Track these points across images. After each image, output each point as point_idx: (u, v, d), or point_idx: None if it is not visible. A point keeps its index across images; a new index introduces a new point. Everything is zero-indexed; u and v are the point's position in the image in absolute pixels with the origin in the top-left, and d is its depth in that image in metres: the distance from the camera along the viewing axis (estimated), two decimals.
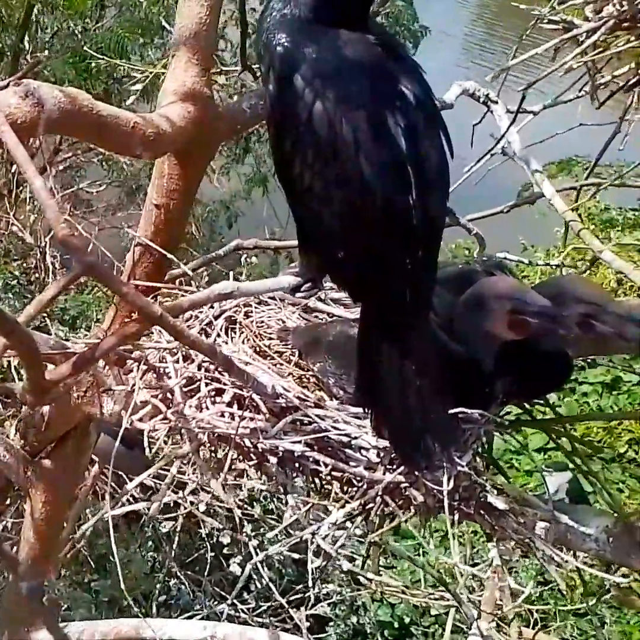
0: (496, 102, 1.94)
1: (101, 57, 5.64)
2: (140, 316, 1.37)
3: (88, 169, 7.90)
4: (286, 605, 3.54)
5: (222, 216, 8.00)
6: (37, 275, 6.14)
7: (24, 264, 6.35)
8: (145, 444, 1.84)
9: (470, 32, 14.80)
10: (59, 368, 1.37)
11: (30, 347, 1.27)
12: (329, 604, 4.66)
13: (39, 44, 7.23)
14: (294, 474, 1.73)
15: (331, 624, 4.90)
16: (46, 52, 6.92)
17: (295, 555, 3.90)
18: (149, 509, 2.44)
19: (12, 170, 6.79)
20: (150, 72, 3.82)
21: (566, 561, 1.63)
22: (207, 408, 1.77)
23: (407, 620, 4.82)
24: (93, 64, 6.07)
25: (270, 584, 3.58)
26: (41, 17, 7.01)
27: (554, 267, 2.63)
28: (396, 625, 4.83)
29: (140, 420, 1.84)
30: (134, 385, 1.85)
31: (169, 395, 1.80)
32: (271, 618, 4.42)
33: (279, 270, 7.07)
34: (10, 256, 6.36)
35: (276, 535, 1.87)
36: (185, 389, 1.79)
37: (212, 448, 1.78)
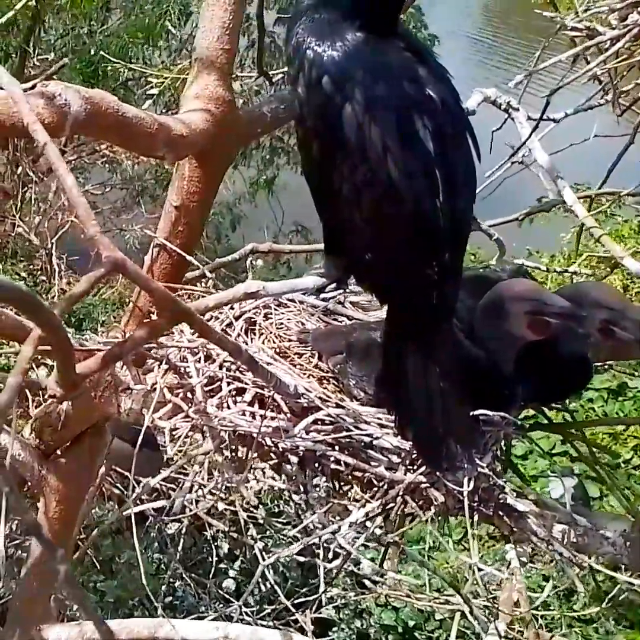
0: (517, 109, 1.95)
1: (109, 61, 5.67)
2: (167, 313, 1.38)
3: (93, 171, 7.92)
4: (292, 608, 3.53)
5: (227, 219, 8.03)
6: (43, 276, 6.15)
7: (30, 266, 6.36)
8: (165, 442, 1.85)
9: (477, 33, 14.83)
10: (88, 362, 1.38)
11: (64, 340, 1.28)
12: (333, 608, 4.66)
13: (45, 46, 7.26)
14: (314, 474, 1.74)
15: (335, 628, 4.89)
16: (52, 54, 6.95)
17: (301, 558, 3.90)
18: (154, 509, 2.45)
19: (18, 172, 6.81)
20: (165, 77, 3.84)
21: (587, 565, 1.64)
22: (229, 407, 1.78)
23: (411, 624, 4.81)
24: (100, 69, 6.11)
25: (276, 587, 3.58)
26: (46, 19, 7.04)
27: (571, 273, 2.63)
28: (400, 629, 4.82)
29: (161, 418, 1.84)
30: (154, 384, 1.86)
31: (190, 394, 1.81)
32: (274, 621, 4.41)
33: (278, 275, 7.12)
34: (16, 257, 6.37)
35: (294, 535, 1.87)
36: (206, 388, 1.81)
37: (233, 447, 1.79)
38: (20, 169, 6.67)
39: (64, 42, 7.33)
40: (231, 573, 4.85)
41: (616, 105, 2.05)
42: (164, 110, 6.49)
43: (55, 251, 6.08)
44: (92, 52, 6.49)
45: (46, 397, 1.87)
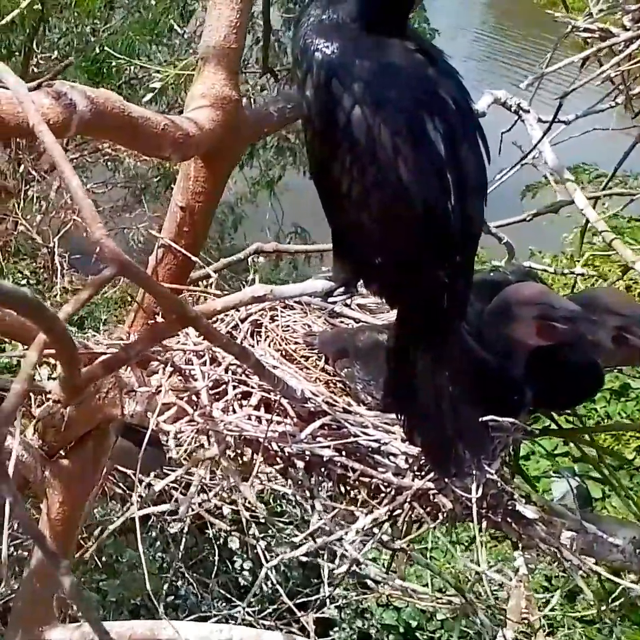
0: (528, 111, 1.94)
1: (114, 58, 5.66)
2: (173, 317, 1.37)
3: (94, 170, 7.90)
4: (294, 608, 3.52)
5: (229, 219, 8.02)
6: (45, 275, 6.15)
7: (33, 264, 6.36)
8: (167, 441, 1.83)
9: (479, 29, 14.80)
10: (93, 367, 1.36)
11: (69, 345, 1.27)
12: (335, 607, 4.65)
13: (48, 44, 7.24)
14: (321, 479, 1.73)
15: (336, 628, 4.88)
16: (56, 52, 6.93)
17: (303, 558, 3.89)
18: (161, 512, 2.43)
19: (20, 170, 6.79)
20: (168, 73, 3.82)
21: (595, 572, 1.62)
22: (234, 411, 1.76)
23: (413, 624, 4.80)
24: (104, 68, 6.10)
25: (278, 587, 3.57)
26: (50, 18, 7.03)
27: (578, 276, 2.62)
28: (402, 629, 4.81)
29: (165, 422, 1.83)
30: (158, 386, 1.84)
31: (195, 397, 1.80)
32: (276, 621, 4.40)
33: (279, 274, 7.11)
34: (19, 256, 6.37)
35: (301, 539, 1.86)
36: (212, 392, 1.79)
37: (238, 451, 1.77)
38: (22, 167, 6.66)
39: (67, 41, 7.31)
40: (240, 571, 4.84)
41: (629, 108, 2.03)
42: (166, 110, 6.47)
43: (57, 249, 6.07)
44: (97, 50, 6.47)
45: (50, 401, 1.85)
